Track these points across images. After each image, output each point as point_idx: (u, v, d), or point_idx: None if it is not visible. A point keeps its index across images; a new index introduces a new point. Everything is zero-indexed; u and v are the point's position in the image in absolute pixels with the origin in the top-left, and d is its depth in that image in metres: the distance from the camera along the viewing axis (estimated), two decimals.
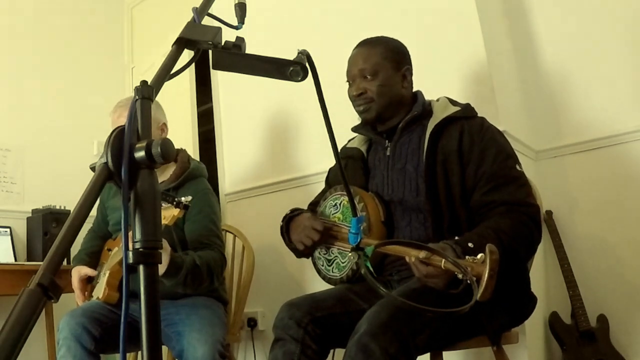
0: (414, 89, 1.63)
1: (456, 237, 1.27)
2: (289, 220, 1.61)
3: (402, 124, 1.54)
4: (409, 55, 1.61)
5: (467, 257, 1.15)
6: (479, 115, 1.54)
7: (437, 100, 1.59)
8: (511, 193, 1.38)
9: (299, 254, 1.61)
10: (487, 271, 1.07)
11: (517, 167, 1.43)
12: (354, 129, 1.68)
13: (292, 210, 1.64)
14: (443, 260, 1.16)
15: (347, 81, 1.59)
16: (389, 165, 1.56)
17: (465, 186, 1.42)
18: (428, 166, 1.46)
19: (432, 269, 1.19)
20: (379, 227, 1.46)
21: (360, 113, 1.57)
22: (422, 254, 1.20)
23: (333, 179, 1.76)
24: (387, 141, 1.59)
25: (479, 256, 1.12)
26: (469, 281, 1.09)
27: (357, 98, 1.54)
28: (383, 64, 1.52)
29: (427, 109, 1.56)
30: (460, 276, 1.12)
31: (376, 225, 1.45)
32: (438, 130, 1.49)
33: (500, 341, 1.45)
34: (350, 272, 1.45)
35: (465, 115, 1.51)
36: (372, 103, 1.52)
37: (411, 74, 1.60)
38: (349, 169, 1.67)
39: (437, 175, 1.44)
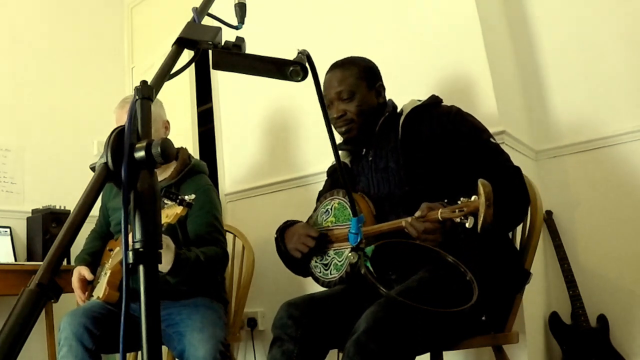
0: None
1: (446, 200, 1.31)
2: (283, 232, 1.64)
3: (378, 128, 1.60)
4: (379, 71, 1.69)
5: (461, 199, 1.19)
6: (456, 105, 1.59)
7: (407, 102, 1.66)
8: (492, 162, 1.43)
9: (295, 269, 1.64)
10: (483, 200, 1.11)
11: (492, 139, 1.50)
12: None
13: (286, 222, 1.68)
14: (439, 211, 1.20)
15: (326, 104, 1.65)
16: (372, 168, 1.60)
17: (446, 168, 1.46)
18: (406, 157, 1.51)
19: (429, 224, 1.23)
20: (372, 220, 1.49)
21: (342, 134, 1.63)
22: (417, 213, 1.25)
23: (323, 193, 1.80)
24: (366, 149, 1.65)
25: (472, 197, 1.16)
26: (468, 278, 1.09)
27: (337, 120, 1.60)
28: (358, 84, 1.59)
29: (397, 111, 1.64)
30: (458, 220, 1.16)
31: (369, 218, 1.49)
32: (409, 122, 1.55)
33: (498, 325, 1.47)
34: (348, 268, 1.46)
35: (431, 104, 1.59)
36: (353, 123, 1.59)
37: (384, 89, 1.67)
38: (337, 184, 1.73)
39: (417, 163, 1.49)
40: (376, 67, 1.68)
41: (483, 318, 1.47)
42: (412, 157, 1.51)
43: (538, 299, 1.93)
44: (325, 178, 1.86)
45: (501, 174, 1.40)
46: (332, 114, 1.61)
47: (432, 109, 1.57)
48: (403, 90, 1.73)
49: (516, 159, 1.89)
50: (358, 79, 1.59)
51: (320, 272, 1.55)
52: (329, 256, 1.53)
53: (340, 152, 1.76)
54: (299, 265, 1.62)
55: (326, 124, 0.92)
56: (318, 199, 1.76)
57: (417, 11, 2.10)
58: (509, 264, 1.47)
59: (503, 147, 1.81)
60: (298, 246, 1.54)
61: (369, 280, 1.04)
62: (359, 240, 1.08)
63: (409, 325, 1.21)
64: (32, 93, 3.04)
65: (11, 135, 2.91)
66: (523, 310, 1.68)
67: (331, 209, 1.59)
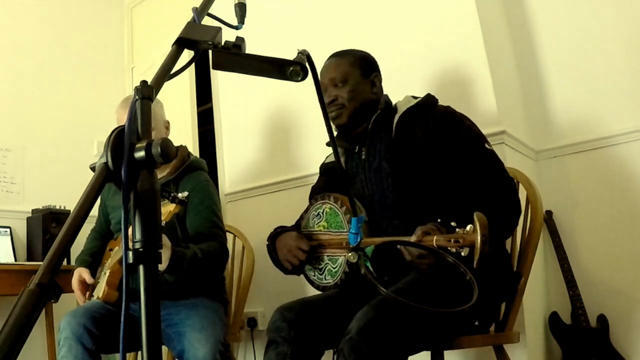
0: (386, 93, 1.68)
1: (439, 220, 1.29)
2: (274, 239, 1.64)
3: (371, 124, 1.58)
4: (377, 64, 1.68)
5: (457, 230, 1.16)
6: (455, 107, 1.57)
7: (402, 99, 1.65)
8: (485, 171, 1.42)
9: (287, 271, 1.63)
10: (479, 237, 1.10)
11: (487, 145, 1.47)
12: (329, 144, 1.72)
13: (277, 229, 1.67)
14: (434, 238, 1.18)
15: (322, 91, 1.64)
16: (366, 167, 1.59)
17: (439, 173, 1.45)
18: (398, 159, 1.50)
19: (423, 250, 1.23)
20: (364, 226, 1.48)
21: (333, 119, 1.62)
22: (412, 238, 1.23)
23: (315, 194, 1.78)
24: (360, 147, 1.63)
25: (468, 227, 1.14)
26: (468, 278, 1.09)
27: (329, 105, 1.60)
28: (351, 71, 1.60)
29: (391, 107, 1.62)
30: (453, 250, 1.14)
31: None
32: (403, 122, 1.54)
33: (490, 327, 1.47)
34: (343, 275, 1.46)
35: (427, 104, 1.57)
36: (344, 109, 1.58)
37: (380, 81, 1.66)
38: (331, 183, 1.72)
39: (408, 167, 1.48)
40: (374, 60, 1.68)
41: (476, 323, 1.47)
42: (404, 160, 1.50)
43: (538, 299, 1.93)
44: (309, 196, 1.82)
45: (495, 187, 1.39)
46: (325, 100, 1.61)
47: (426, 111, 1.55)
48: (402, 90, 1.73)
49: (516, 159, 1.90)
50: (351, 66, 1.60)
51: (315, 276, 1.56)
52: (323, 261, 1.54)
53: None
54: (292, 273, 1.63)
55: (326, 123, 0.92)
56: (311, 196, 1.75)
57: (417, 11, 2.10)
58: (500, 269, 1.46)
59: (503, 147, 1.82)
60: (289, 258, 1.55)
61: (369, 281, 1.04)
62: (359, 240, 1.08)
63: (400, 325, 1.21)
64: (32, 93, 3.04)
65: (11, 135, 2.91)
66: (523, 310, 1.68)
67: (322, 213, 1.59)
